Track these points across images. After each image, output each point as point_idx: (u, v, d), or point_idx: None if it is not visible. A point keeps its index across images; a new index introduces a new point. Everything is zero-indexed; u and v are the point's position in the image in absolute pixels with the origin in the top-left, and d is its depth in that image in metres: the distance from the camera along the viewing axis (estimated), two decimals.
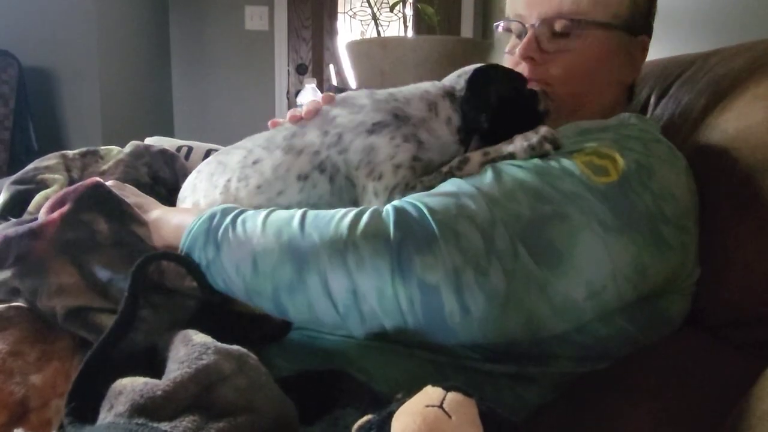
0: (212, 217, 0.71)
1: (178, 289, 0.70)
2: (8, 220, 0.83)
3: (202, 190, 0.86)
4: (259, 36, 3.99)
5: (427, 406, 0.45)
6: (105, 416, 0.52)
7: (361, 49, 2.10)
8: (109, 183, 0.80)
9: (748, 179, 0.74)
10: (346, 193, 0.81)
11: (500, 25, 0.94)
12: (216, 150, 1.19)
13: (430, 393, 0.46)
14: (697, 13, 1.44)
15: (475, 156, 0.76)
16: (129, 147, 1.08)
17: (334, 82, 3.16)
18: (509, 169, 0.70)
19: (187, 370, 0.53)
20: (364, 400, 0.58)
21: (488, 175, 0.70)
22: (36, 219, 0.74)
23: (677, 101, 0.94)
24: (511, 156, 0.74)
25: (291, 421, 0.56)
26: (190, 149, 1.23)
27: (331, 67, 3.51)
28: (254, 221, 0.69)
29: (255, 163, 0.83)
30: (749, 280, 0.72)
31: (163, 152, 1.09)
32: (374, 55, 2.02)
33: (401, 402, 0.47)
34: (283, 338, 0.74)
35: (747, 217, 0.73)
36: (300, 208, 0.73)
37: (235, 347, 0.58)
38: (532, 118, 0.81)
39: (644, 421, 0.64)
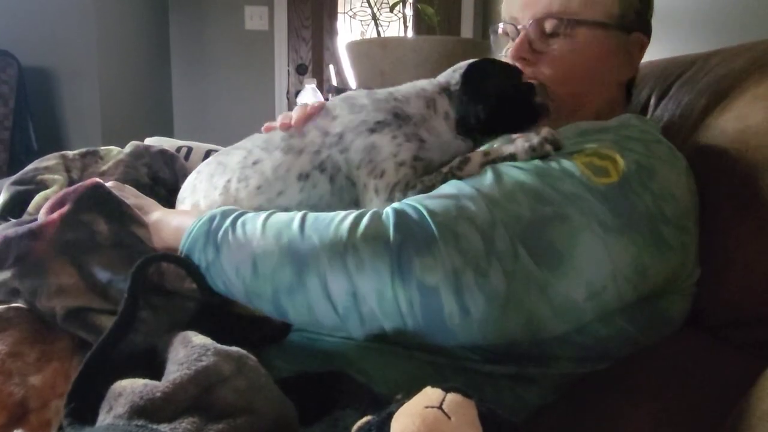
0: (212, 219, 0.71)
1: (177, 290, 0.70)
2: (8, 220, 0.83)
3: (201, 190, 0.86)
4: (259, 36, 3.99)
5: (427, 407, 0.45)
6: (104, 417, 0.52)
7: (361, 49, 2.10)
8: (109, 184, 0.80)
9: (749, 180, 0.74)
10: (346, 193, 0.81)
11: (496, 29, 0.95)
12: (216, 150, 1.19)
13: (430, 394, 0.46)
14: (697, 13, 1.44)
15: (476, 156, 0.76)
16: (129, 147, 1.08)
17: (334, 82, 3.16)
18: (509, 170, 0.70)
19: (186, 372, 0.53)
20: (364, 401, 0.58)
21: (488, 177, 0.70)
22: (35, 220, 0.74)
23: (677, 102, 0.94)
24: (512, 157, 0.74)
25: (291, 422, 0.56)
26: (189, 149, 1.23)
27: (331, 67, 3.51)
28: (254, 224, 0.69)
29: (255, 163, 0.83)
30: (749, 280, 0.72)
31: (163, 152, 1.09)
32: (374, 56, 2.02)
33: (401, 403, 0.47)
34: (283, 340, 0.74)
35: (747, 218, 0.73)
36: (300, 208, 0.73)
37: (234, 349, 0.58)
38: (529, 111, 0.81)
39: (644, 421, 0.64)
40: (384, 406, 0.49)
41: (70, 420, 0.55)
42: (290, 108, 3.82)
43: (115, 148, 1.07)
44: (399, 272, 0.62)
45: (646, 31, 0.89)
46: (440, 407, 0.45)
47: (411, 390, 0.48)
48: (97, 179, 0.79)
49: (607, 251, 0.65)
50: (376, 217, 0.66)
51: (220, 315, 0.71)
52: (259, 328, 0.73)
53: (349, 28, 4.12)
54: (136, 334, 0.64)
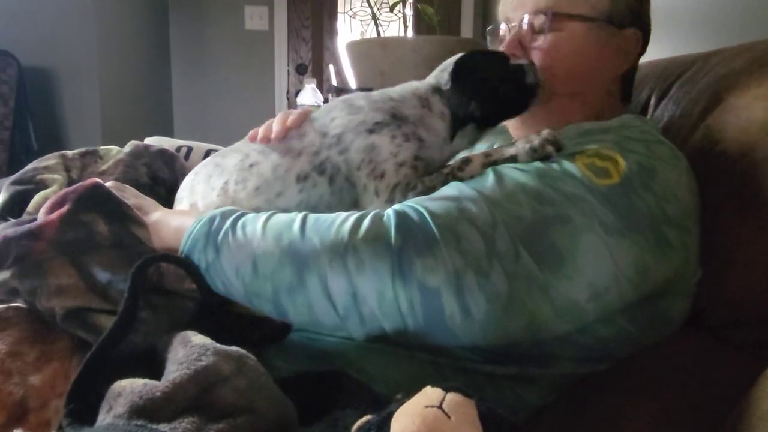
0: (212, 220, 0.71)
1: (177, 291, 0.70)
2: (7, 220, 0.83)
3: (199, 191, 0.86)
4: (259, 36, 3.99)
5: (427, 406, 0.45)
6: (104, 417, 0.52)
7: (361, 49, 2.10)
8: (108, 184, 0.80)
9: (749, 180, 0.74)
10: (346, 194, 0.81)
11: (492, 30, 0.96)
12: (216, 150, 1.19)
13: (430, 394, 0.46)
14: (697, 13, 1.44)
15: (477, 157, 0.76)
16: (128, 147, 1.07)
17: (334, 82, 3.16)
18: (511, 171, 0.71)
19: (186, 372, 0.53)
20: (364, 401, 0.58)
21: (489, 178, 0.70)
22: (35, 219, 0.74)
23: (677, 102, 0.94)
24: (513, 158, 0.74)
25: (290, 421, 0.56)
26: (189, 149, 1.23)
27: (331, 67, 3.51)
28: (254, 225, 0.69)
29: (252, 166, 0.83)
30: (749, 280, 0.72)
31: (163, 152, 1.09)
32: (374, 55, 2.02)
33: (400, 402, 0.47)
34: (283, 340, 0.74)
35: (747, 218, 0.73)
36: (299, 209, 0.73)
37: (234, 348, 0.58)
38: (522, 93, 0.82)
39: (644, 421, 0.64)
40: (384, 406, 0.48)
41: (69, 420, 0.55)
42: (290, 107, 3.82)
43: (114, 148, 1.07)
44: (400, 273, 0.62)
45: (642, 27, 0.89)
46: (440, 407, 0.45)
47: (411, 390, 0.48)
48: (97, 179, 0.79)
49: (609, 252, 0.65)
50: (377, 219, 0.66)
51: (220, 315, 0.71)
52: (259, 328, 0.73)
53: (349, 28, 4.12)
54: (136, 334, 0.64)
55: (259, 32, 3.98)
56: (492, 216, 0.65)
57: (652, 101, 1.01)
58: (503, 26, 0.92)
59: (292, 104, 4.02)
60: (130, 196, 0.83)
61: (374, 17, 2.35)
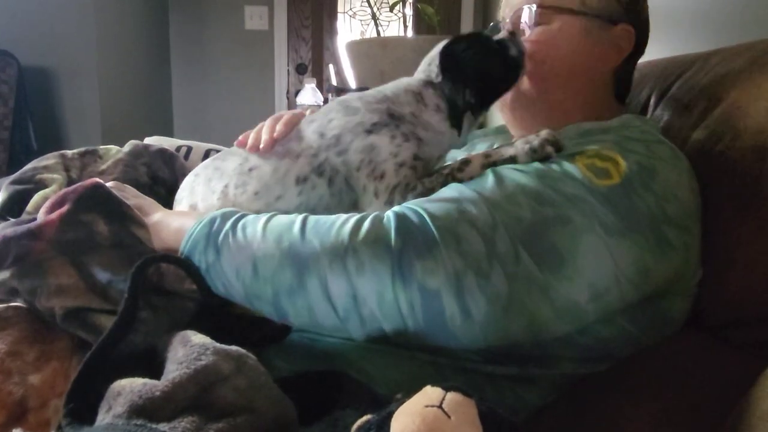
0: (212, 221, 0.71)
1: (177, 291, 0.70)
2: (7, 220, 0.83)
3: (199, 193, 0.86)
4: (259, 36, 3.99)
5: (427, 406, 0.45)
6: (103, 417, 0.52)
7: (360, 49, 2.10)
8: (109, 184, 0.80)
9: (749, 180, 0.74)
10: (345, 195, 0.80)
11: (493, 28, 0.97)
12: (216, 150, 1.19)
13: (430, 393, 0.46)
14: (697, 13, 1.44)
15: (476, 158, 0.76)
16: (128, 146, 1.07)
17: (334, 82, 3.16)
18: (510, 173, 0.70)
19: (186, 371, 0.53)
20: (364, 400, 0.58)
21: (489, 180, 0.70)
22: (35, 219, 0.74)
23: (677, 102, 0.94)
24: (513, 159, 0.74)
25: (290, 421, 0.55)
26: (189, 149, 1.22)
27: (331, 66, 3.51)
28: (254, 227, 0.69)
29: (251, 170, 0.83)
30: (749, 280, 0.72)
31: (162, 152, 1.09)
32: (374, 55, 2.02)
33: (401, 402, 0.47)
34: (283, 340, 0.74)
35: (748, 218, 0.73)
36: (299, 211, 0.73)
37: (234, 348, 0.58)
38: (510, 67, 0.84)
39: (644, 421, 0.64)
40: (384, 406, 0.48)
41: (69, 420, 0.54)
42: (290, 108, 3.81)
43: (114, 147, 1.07)
44: (400, 275, 0.62)
45: (637, 24, 0.90)
46: (440, 406, 0.45)
47: (411, 390, 0.48)
48: (97, 179, 0.79)
49: (610, 253, 0.65)
50: (378, 221, 0.66)
51: (220, 315, 0.71)
52: (259, 329, 0.73)
53: (349, 28, 4.12)
54: (136, 334, 0.64)
55: (259, 32, 3.98)
56: (492, 217, 0.65)
57: (652, 101, 1.00)
58: (501, 24, 0.94)
59: (292, 104, 4.02)
60: (131, 196, 0.83)
61: (374, 17, 2.35)
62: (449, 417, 0.44)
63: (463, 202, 0.67)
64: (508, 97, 0.90)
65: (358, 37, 3.95)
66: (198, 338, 0.59)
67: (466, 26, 4.02)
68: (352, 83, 2.23)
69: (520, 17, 0.89)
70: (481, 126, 1.14)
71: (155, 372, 0.57)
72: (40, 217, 0.74)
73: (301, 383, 0.62)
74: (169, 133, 3.88)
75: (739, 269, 0.73)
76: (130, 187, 0.87)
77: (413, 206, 0.67)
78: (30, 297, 0.68)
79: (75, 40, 2.95)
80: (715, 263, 0.75)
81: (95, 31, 2.97)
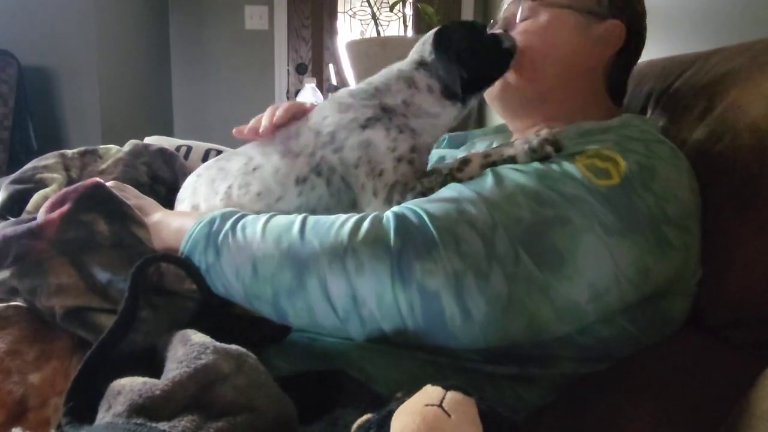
0: (212, 221, 0.71)
1: (177, 291, 0.70)
2: (7, 219, 0.83)
3: (202, 194, 0.86)
4: (259, 35, 3.99)
5: (427, 405, 0.45)
6: (103, 416, 0.52)
7: (360, 49, 2.10)
8: (109, 183, 0.80)
9: (749, 179, 0.74)
10: (344, 194, 0.80)
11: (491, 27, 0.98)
12: (216, 150, 1.19)
13: (430, 392, 0.46)
14: (697, 13, 1.44)
15: (476, 158, 0.76)
16: (128, 146, 1.07)
17: (334, 81, 3.16)
18: (510, 173, 0.70)
19: (186, 370, 0.53)
20: (364, 400, 0.58)
21: (489, 180, 0.70)
22: (34, 218, 0.74)
23: (678, 101, 0.94)
24: (512, 159, 0.74)
25: (290, 420, 0.55)
26: (189, 149, 1.22)
27: (331, 66, 3.51)
28: (254, 227, 0.69)
29: (255, 169, 0.83)
30: (749, 280, 0.72)
31: (162, 151, 1.09)
32: (374, 55, 2.02)
33: (401, 401, 0.47)
34: (283, 340, 0.74)
35: (748, 218, 0.73)
36: (299, 211, 0.73)
37: (233, 347, 0.58)
38: (501, 56, 0.86)
39: (644, 421, 0.64)
40: (384, 405, 0.48)
41: (68, 419, 0.54)
42: None
43: (114, 147, 1.07)
44: (399, 276, 0.62)
45: (629, 20, 0.90)
46: (440, 405, 0.45)
47: (411, 389, 0.48)
48: (98, 179, 0.79)
49: (610, 253, 0.65)
50: (377, 221, 0.66)
51: (220, 315, 0.71)
52: (259, 329, 0.73)
53: (349, 28, 4.12)
54: (136, 333, 0.64)
55: (259, 32, 3.98)
56: (491, 218, 0.65)
57: (652, 101, 1.00)
58: (491, 24, 0.96)
59: None
60: (131, 196, 0.83)
61: (374, 17, 2.35)
62: (449, 416, 0.44)
63: (462, 202, 0.67)
64: (497, 87, 0.91)
65: (358, 37, 3.95)
66: (198, 337, 0.59)
67: None
68: (352, 83, 2.23)
69: (512, 12, 0.91)
70: (478, 122, 1.16)
71: (155, 371, 0.57)
72: (41, 216, 0.74)
73: (301, 382, 0.62)
74: (169, 132, 3.88)
75: (739, 269, 0.73)
76: (130, 186, 0.87)
77: (412, 206, 0.67)
78: (30, 296, 0.68)
79: (75, 40, 2.95)
80: (715, 263, 0.75)
81: (95, 31, 2.97)
